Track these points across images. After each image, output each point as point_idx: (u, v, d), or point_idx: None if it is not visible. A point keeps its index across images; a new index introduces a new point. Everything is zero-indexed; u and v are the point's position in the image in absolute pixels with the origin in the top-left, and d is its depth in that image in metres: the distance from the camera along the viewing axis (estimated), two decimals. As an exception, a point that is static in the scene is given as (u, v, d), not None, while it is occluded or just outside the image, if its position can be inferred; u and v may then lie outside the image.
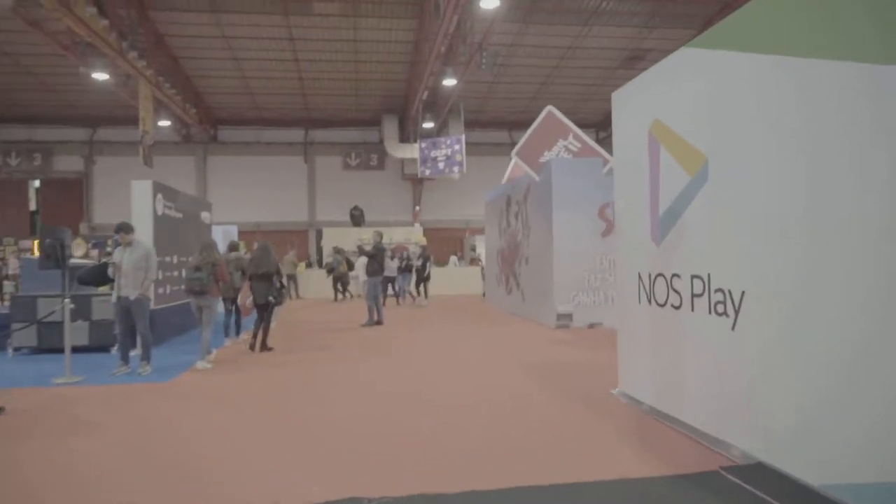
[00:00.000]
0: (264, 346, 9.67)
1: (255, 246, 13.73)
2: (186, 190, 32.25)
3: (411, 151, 28.71)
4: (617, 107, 6.31)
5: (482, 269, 23.90)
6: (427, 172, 23.97)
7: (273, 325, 10.14)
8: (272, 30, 21.90)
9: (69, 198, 30.69)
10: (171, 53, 23.72)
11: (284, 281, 10.84)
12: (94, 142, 30.86)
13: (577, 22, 22.93)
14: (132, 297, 7.81)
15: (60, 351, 7.75)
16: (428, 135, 27.12)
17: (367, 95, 28.72)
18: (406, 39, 23.22)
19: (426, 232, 27.00)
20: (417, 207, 29.02)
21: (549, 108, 12.16)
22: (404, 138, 30.07)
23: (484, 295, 22.98)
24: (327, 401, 6.39)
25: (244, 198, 31.37)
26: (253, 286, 9.51)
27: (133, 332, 8.11)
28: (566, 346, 9.63)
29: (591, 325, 11.43)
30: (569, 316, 11.37)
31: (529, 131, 12.25)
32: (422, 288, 17.67)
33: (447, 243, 31.90)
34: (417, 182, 32.45)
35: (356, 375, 7.81)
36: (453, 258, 26.39)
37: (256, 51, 23.46)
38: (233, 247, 11.60)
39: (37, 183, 30.15)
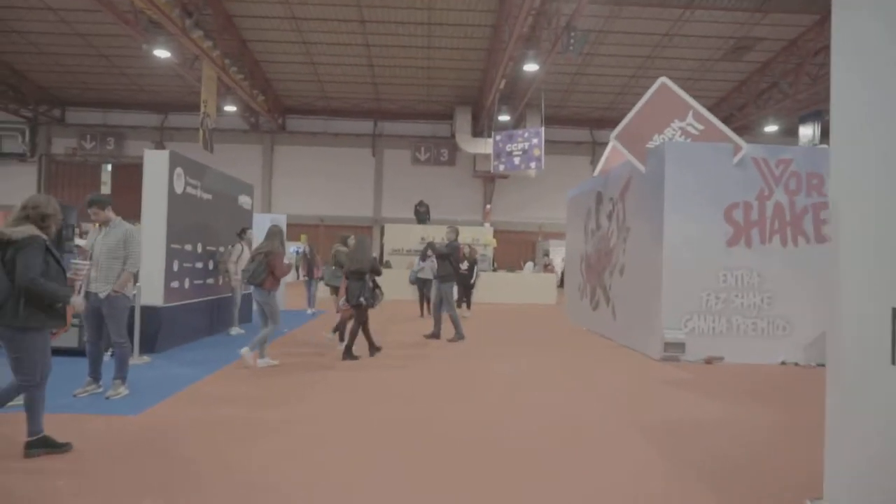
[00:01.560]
0: (348, 353, 8.32)
1: (343, 239, 11.91)
2: (252, 180, 31.11)
3: (484, 146, 26.24)
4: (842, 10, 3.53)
5: (560, 276, 21.18)
6: (501, 168, 21.42)
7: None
8: (343, 10, 19.92)
9: (140, 182, 29.90)
10: (238, 35, 22.13)
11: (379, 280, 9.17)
12: (164, 127, 29.97)
13: (676, 4, 19.88)
14: (102, 295, 5.68)
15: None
16: (503, 128, 24.55)
17: (440, 85, 26.46)
18: (484, 23, 20.79)
19: (496, 234, 24.47)
20: (488, 206, 26.57)
21: (663, 79, 9.44)
22: (477, 132, 27.63)
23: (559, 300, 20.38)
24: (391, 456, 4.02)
25: (309, 189, 29.73)
26: (349, 285, 8.39)
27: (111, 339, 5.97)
28: (687, 392, 6.91)
29: (710, 360, 8.63)
30: (680, 346, 8.62)
31: (635, 109, 9.58)
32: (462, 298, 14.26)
33: (518, 247, 29.22)
34: (489, 180, 29.94)
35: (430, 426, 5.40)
36: (529, 264, 23.72)
37: (326, 33, 21.56)
38: (342, 240, 10.35)
39: (109, 167, 29.53)
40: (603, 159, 11.77)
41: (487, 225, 26.63)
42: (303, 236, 29.09)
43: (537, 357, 9.03)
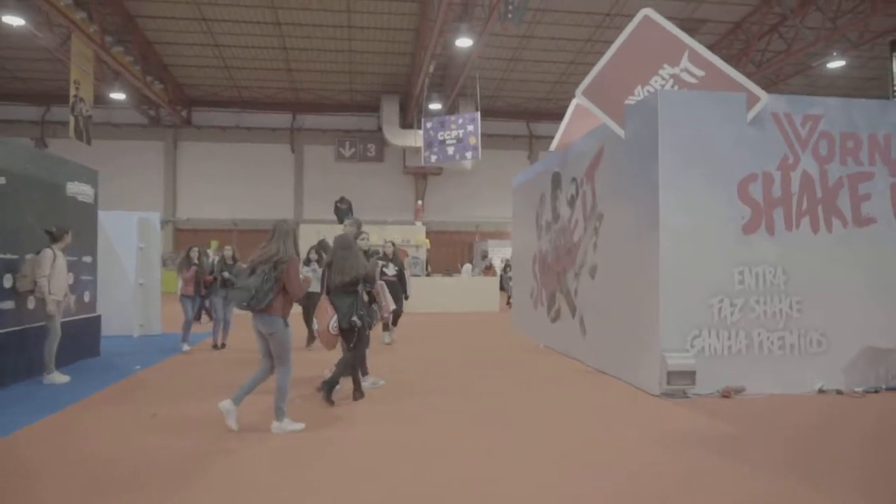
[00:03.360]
0: (329, 392, 5.80)
1: (322, 239, 9.35)
2: (153, 180, 27.46)
3: (414, 139, 23.34)
4: None
5: (502, 279, 18.53)
6: (433, 159, 18.57)
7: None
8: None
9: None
10: (124, 9, 18.43)
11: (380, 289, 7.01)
12: (46, 122, 25.54)
13: (620, -21, 17.71)
14: None
15: None
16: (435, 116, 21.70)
17: (365, 72, 23.42)
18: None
19: (429, 234, 21.65)
20: (420, 202, 23.73)
21: (648, 11, 6.85)
22: (407, 124, 24.76)
23: (508, 303, 17.65)
24: None
25: (220, 190, 26.05)
26: (334, 302, 5.89)
27: None
28: (720, 460, 4.25)
29: (728, 393, 6.05)
30: (688, 375, 6.01)
31: (609, 54, 6.96)
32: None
33: (454, 248, 26.50)
34: (421, 176, 27.11)
35: None
36: (467, 266, 20.98)
37: (229, 6, 18.11)
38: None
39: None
40: (560, 131, 9.15)
41: (419, 224, 23.74)
42: (213, 243, 25.36)
43: (486, 394, 6.21)
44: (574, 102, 8.98)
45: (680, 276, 6.18)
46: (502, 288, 18.98)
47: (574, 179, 8.56)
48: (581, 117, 8.76)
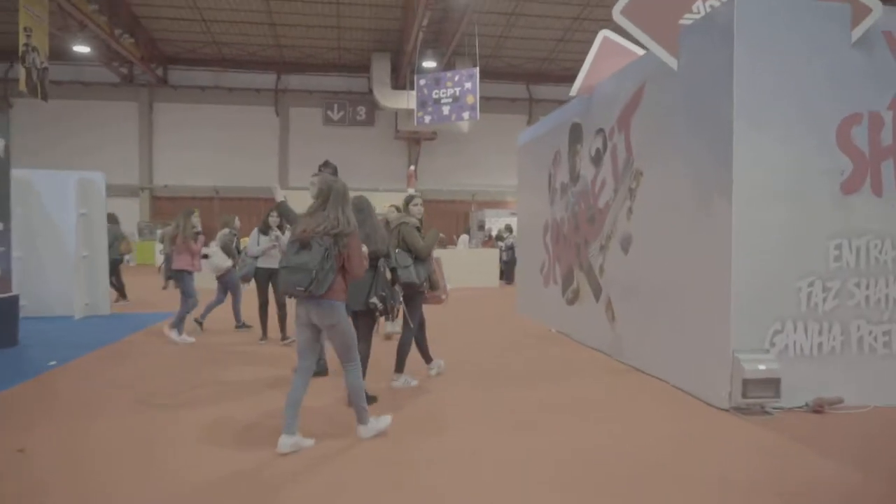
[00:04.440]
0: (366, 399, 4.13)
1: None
2: (127, 144, 24.91)
3: (407, 101, 21.42)
4: None
5: (503, 252, 16.87)
6: (427, 119, 16.80)
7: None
8: None
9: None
10: (82, -51, 16.30)
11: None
12: (9, 79, 23.37)
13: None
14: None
15: None
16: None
17: (354, 27, 21.37)
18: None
19: (423, 203, 19.90)
20: (412, 167, 21.89)
21: None
22: (399, 85, 22.76)
23: (503, 279, 16.01)
24: None
25: (199, 156, 24.08)
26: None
27: None
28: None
29: (820, 407, 4.47)
30: (770, 384, 4.44)
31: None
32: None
33: (448, 218, 24.72)
34: (414, 142, 25.24)
35: None
36: (464, 237, 19.28)
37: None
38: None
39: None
40: (582, 72, 7.39)
41: (412, 191, 21.92)
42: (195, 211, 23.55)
43: (498, 408, 4.61)
44: (601, 35, 7.22)
45: (757, 251, 4.53)
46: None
47: (601, 131, 6.84)
48: (610, 54, 7.02)
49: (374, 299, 4.66)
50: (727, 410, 4.49)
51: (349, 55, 23.73)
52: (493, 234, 19.79)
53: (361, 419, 3.88)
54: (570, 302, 7.77)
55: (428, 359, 5.69)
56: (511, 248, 17.02)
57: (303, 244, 3.60)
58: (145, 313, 9.73)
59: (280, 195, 5.37)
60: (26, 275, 8.77)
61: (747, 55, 4.53)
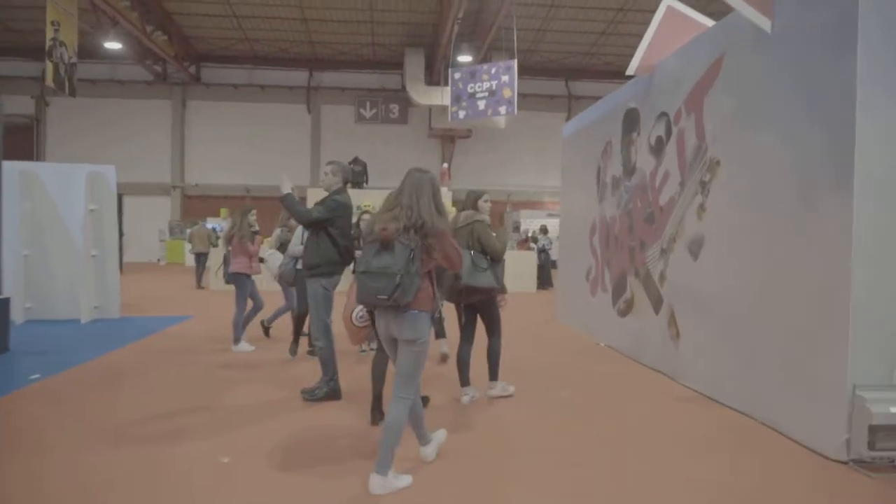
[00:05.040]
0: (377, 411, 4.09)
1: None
2: (160, 141, 24.36)
3: (441, 98, 20.56)
4: None
5: (542, 255, 15.85)
6: (462, 115, 15.80)
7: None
8: None
9: (17, 147, 23.33)
10: (113, -57, 15.92)
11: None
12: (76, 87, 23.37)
13: None
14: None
15: None
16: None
17: (387, 21, 20.61)
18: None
19: (455, 203, 18.99)
20: (445, 164, 20.99)
21: None
22: (433, 81, 21.93)
23: (540, 285, 14.99)
24: None
25: (231, 154, 23.68)
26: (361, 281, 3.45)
27: None
28: None
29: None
30: (905, 433, 3.46)
31: None
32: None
33: (483, 219, 23.77)
34: (448, 140, 24.36)
35: None
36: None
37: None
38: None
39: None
40: (642, 48, 6.36)
41: (445, 189, 21.02)
42: (223, 211, 23.20)
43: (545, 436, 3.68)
44: (664, 5, 6.19)
45: (885, 260, 3.48)
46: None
47: (663, 115, 5.82)
48: (675, 27, 6.00)
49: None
50: (845, 463, 3.45)
51: (383, 51, 23.00)
52: (529, 234, 18.76)
53: (381, 469, 3.06)
54: (623, 313, 6.75)
55: (465, 381, 4.82)
56: (545, 251, 15.98)
57: (384, 244, 3.00)
58: (160, 317, 9.07)
59: (287, 186, 4.56)
60: (31, 275, 8.18)
61: (876, 5, 3.48)
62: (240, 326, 6.66)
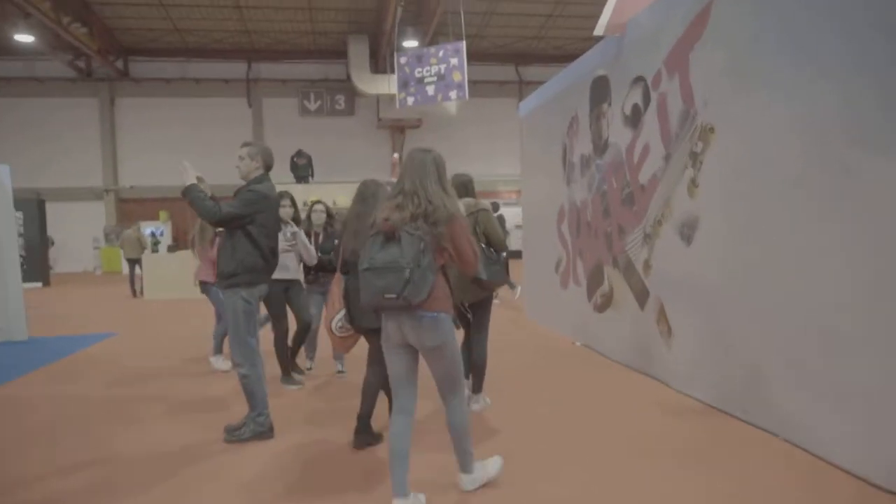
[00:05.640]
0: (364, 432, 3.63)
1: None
2: (88, 143, 22.20)
3: (388, 85, 19.46)
4: None
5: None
6: (410, 101, 14.84)
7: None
8: None
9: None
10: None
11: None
12: (-45, 78, 21.28)
13: None
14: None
15: None
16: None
17: (327, 8, 19.40)
18: None
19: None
20: (396, 155, 20.02)
21: None
22: (379, 69, 20.87)
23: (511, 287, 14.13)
24: None
25: (167, 154, 21.94)
26: (349, 287, 3.56)
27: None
28: None
29: None
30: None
31: None
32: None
33: (438, 211, 22.90)
34: (398, 130, 23.35)
35: None
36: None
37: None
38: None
39: None
40: (609, 7, 5.56)
41: (395, 179, 20.06)
42: (162, 213, 21.68)
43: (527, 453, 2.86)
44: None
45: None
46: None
47: (640, 80, 5.04)
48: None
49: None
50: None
51: (324, 39, 21.78)
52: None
53: (466, 468, 2.94)
54: (600, 308, 6.00)
55: (479, 387, 4.34)
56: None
57: (388, 236, 2.65)
58: (77, 336, 7.87)
59: (191, 176, 3.60)
60: None
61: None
62: (218, 337, 5.82)
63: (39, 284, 15.77)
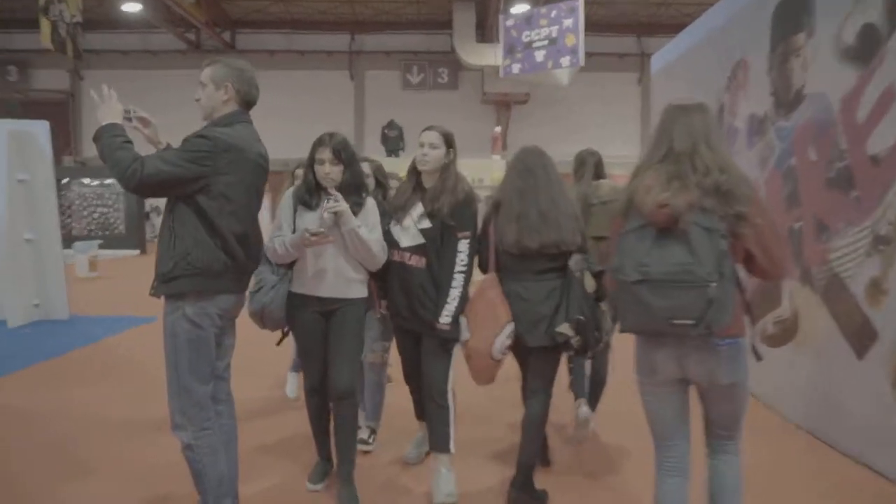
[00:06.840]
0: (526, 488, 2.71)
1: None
2: (191, 114, 22.85)
3: (494, 56, 17.72)
4: None
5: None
6: (516, 69, 13.17)
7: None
8: None
9: (53, 123, 22.35)
10: None
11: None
12: (83, 50, 22.04)
13: None
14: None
15: None
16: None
17: (432, -29, 18.00)
18: None
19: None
20: (498, 128, 18.28)
21: None
22: (486, 37, 19.17)
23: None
24: None
25: (268, 124, 20.97)
26: (510, 291, 2.75)
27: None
28: None
29: None
30: None
31: None
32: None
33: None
34: (504, 105, 21.54)
35: None
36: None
37: None
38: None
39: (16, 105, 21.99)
40: None
41: (497, 157, 18.27)
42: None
43: None
44: None
45: None
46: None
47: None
48: None
49: (565, 327, 2.59)
50: None
51: (427, 8, 20.36)
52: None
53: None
54: (771, 340, 4.06)
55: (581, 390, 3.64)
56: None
57: (663, 230, 1.82)
58: (119, 317, 6.99)
59: (114, 108, 2.16)
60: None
61: None
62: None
63: (137, 252, 15.82)
